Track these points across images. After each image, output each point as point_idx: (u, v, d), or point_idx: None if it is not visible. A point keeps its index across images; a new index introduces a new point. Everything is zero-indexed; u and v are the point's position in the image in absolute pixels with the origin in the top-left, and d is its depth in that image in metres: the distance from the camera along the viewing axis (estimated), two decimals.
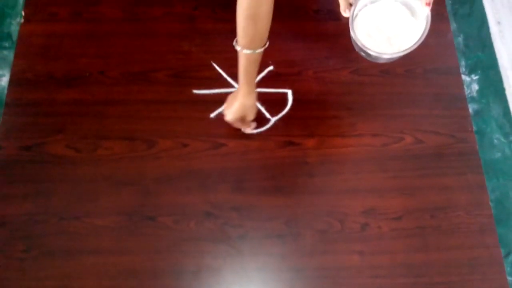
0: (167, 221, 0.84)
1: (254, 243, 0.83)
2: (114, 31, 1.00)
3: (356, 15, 0.85)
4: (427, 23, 0.78)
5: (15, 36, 1.07)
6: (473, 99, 0.95)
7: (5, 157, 0.89)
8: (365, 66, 0.99)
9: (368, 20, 0.86)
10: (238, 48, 0.73)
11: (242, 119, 0.86)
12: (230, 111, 0.85)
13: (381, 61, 0.90)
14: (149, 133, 0.91)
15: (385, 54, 0.81)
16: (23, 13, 1.01)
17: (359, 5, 0.83)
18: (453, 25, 1.04)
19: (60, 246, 0.82)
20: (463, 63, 0.99)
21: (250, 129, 0.91)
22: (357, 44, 0.81)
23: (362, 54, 0.83)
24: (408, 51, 0.79)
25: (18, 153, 0.89)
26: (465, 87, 0.99)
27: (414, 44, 0.78)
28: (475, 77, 0.98)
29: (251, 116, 0.86)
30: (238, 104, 0.82)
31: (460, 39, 1.03)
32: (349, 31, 0.81)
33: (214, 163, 0.89)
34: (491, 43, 1.07)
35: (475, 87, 0.97)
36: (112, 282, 0.80)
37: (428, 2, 0.77)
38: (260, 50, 0.74)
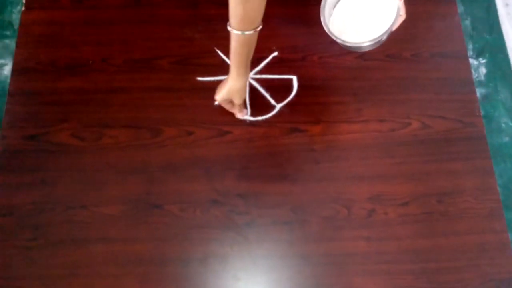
0: (173, 209, 0.84)
1: (260, 230, 0.83)
2: (116, 18, 0.99)
3: (333, 6, 0.87)
4: (397, 12, 0.79)
5: (16, 24, 1.06)
6: (480, 83, 0.94)
7: (10, 146, 0.88)
8: (371, 51, 0.97)
9: (343, 10, 0.87)
10: (229, 28, 0.72)
11: (230, 102, 0.86)
12: (219, 92, 0.85)
13: (356, 50, 0.90)
14: (154, 121, 0.91)
15: (357, 43, 0.82)
16: (24, 1, 1.00)
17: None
18: (460, 8, 1.02)
19: (67, 234, 0.82)
20: (470, 46, 0.97)
21: (240, 115, 0.90)
22: (332, 33, 0.82)
23: (338, 42, 0.83)
24: (378, 39, 0.80)
25: (22, 142, 0.89)
26: (472, 70, 0.97)
27: (384, 33, 0.79)
28: (482, 61, 0.97)
29: (237, 100, 0.85)
30: (226, 86, 0.82)
31: (468, 22, 1.01)
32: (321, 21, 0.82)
33: (219, 151, 0.89)
34: (499, 26, 1.05)
35: (483, 70, 0.96)
36: (119, 270, 0.81)
37: None
38: (249, 32, 0.72)
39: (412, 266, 0.82)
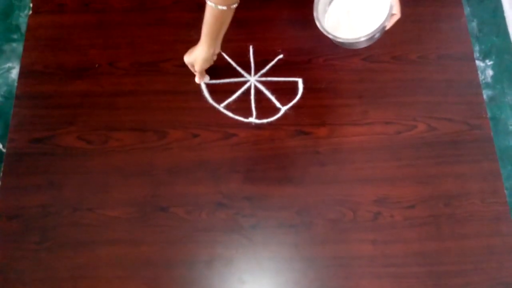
0: (179, 211, 0.85)
1: (266, 233, 0.83)
2: (123, 21, 1.00)
3: (328, 3, 0.87)
4: (390, 10, 0.79)
5: (23, 28, 1.07)
6: (487, 85, 0.93)
7: (17, 149, 0.89)
8: (376, 53, 0.97)
9: (338, 7, 0.87)
10: None
11: (192, 65, 0.88)
12: (187, 54, 0.87)
13: (349, 47, 0.90)
14: (160, 124, 0.91)
15: (348, 39, 0.82)
16: (31, 4, 1.01)
17: None
18: (467, 10, 1.02)
19: (74, 237, 0.83)
20: (477, 48, 0.97)
21: (198, 79, 0.92)
22: (324, 29, 0.82)
23: (331, 38, 0.83)
24: (370, 36, 0.80)
25: (29, 145, 0.89)
26: (479, 72, 0.96)
27: (376, 30, 0.79)
28: (489, 63, 0.96)
29: (197, 66, 0.87)
30: (194, 51, 0.85)
31: (474, 24, 1.00)
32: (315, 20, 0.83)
33: (225, 153, 0.89)
34: (506, 28, 1.04)
35: (490, 72, 0.95)
36: (126, 272, 0.81)
37: None
38: (222, 7, 0.74)
39: (419, 269, 0.81)
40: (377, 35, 0.81)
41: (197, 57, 0.85)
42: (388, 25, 0.82)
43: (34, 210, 0.85)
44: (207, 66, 0.87)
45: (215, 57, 0.87)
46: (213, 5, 0.73)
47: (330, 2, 0.89)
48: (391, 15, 0.80)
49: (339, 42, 0.84)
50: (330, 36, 0.82)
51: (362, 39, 0.80)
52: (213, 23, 0.78)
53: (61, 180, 0.87)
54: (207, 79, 0.93)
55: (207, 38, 0.81)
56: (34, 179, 0.87)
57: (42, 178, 0.87)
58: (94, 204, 0.85)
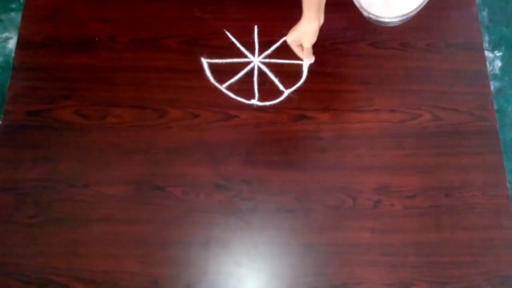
0: (176, 191, 0.83)
1: (264, 217, 0.82)
2: None
3: None
4: None
5: None
6: (495, 76, 0.91)
7: (13, 122, 0.87)
8: (384, 38, 0.95)
9: None
10: None
11: (300, 46, 0.87)
12: (290, 33, 0.86)
13: (383, 24, 0.87)
14: (160, 102, 0.89)
15: (384, 17, 0.79)
16: None
17: None
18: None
19: (68, 213, 0.82)
20: (486, 38, 0.95)
21: (307, 59, 0.89)
22: (362, 7, 0.79)
23: (367, 16, 0.80)
24: (409, 15, 0.76)
25: (25, 118, 0.87)
26: (487, 63, 0.94)
27: (416, 8, 0.75)
28: (498, 54, 0.94)
29: (306, 42, 0.85)
30: (298, 28, 0.84)
31: (485, 13, 0.98)
32: None
33: (225, 135, 0.87)
34: None
35: (498, 64, 0.93)
36: (120, 250, 0.80)
37: None
38: None
39: (416, 259, 0.81)
40: (413, 13, 0.78)
41: (305, 32, 0.83)
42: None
43: (28, 183, 0.83)
44: (315, 39, 0.85)
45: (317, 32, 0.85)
46: None
47: None
48: None
49: (376, 21, 0.81)
50: (364, 13, 0.79)
51: (400, 18, 0.77)
52: None
53: (57, 155, 0.85)
54: (313, 59, 0.90)
55: (310, 11, 0.80)
56: (29, 153, 0.85)
57: (37, 151, 0.85)
58: (90, 180, 0.84)
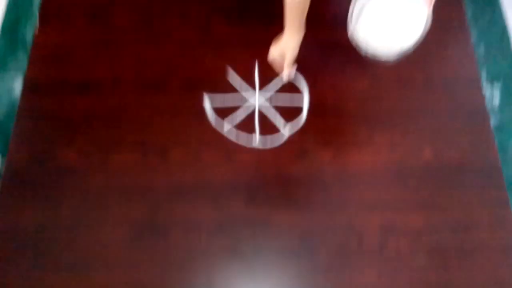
0: (177, 234, 0.82)
1: (267, 260, 0.81)
2: (128, 38, 0.99)
3: (359, 12, 0.84)
4: (427, 22, 0.77)
5: (29, 42, 1.06)
6: (494, 111, 0.91)
7: (16, 164, 0.87)
8: (383, 76, 0.96)
9: (370, 17, 0.83)
10: None
11: (281, 57, 0.89)
12: (272, 48, 0.89)
13: (381, 61, 0.88)
14: (162, 142, 0.89)
15: (381, 54, 0.81)
16: (37, 19, 1.01)
17: (358, 4, 0.82)
18: (473, 35, 1.01)
19: (69, 259, 0.80)
20: (484, 73, 0.95)
21: (286, 73, 0.91)
22: (359, 45, 0.81)
23: (365, 53, 0.82)
24: (406, 52, 0.79)
25: (29, 160, 0.88)
26: (486, 99, 0.95)
27: (411, 45, 0.77)
28: (496, 88, 0.95)
29: (288, 54, 0.88)
30: (280, 43, 0.88)
31: (481, 48, 0.99)
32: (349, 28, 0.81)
33: (227, 175, 0.87)
34: None
35: (497, 98, 0.94)
36: None
37: (429, 1, 0.77)
38: None
39: None
40: (409, 49, 0.79)
41: (287, 46, 0.87)
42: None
43: (29, 229, 0.82)
44: (296, 52, 0.88)
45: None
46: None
47: (360, 13, 0.84)
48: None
49: (371, 57, 0.83)
50: (362, 52, 0.81)
51: (398, 53, 0.79)
52: (292, 14, 0.81)
53: (58, 199, 0.85)
54: (293, 71, 0.94)
55: (292, 27, 0.84)
56: (31, 197, 0.85)
57: (38, 196, 0.85)
58: (90, 224, 0.83)
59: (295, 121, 0.92)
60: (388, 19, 0.82)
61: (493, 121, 0.93)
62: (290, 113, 0.92)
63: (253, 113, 0.92)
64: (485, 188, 0.87)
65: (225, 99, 0.93)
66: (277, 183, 0.86)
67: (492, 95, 0.91)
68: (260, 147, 0.89)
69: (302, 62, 0.97)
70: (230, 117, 0.91)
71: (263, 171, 0.87)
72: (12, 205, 0.84)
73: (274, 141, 0.90)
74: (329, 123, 0.92)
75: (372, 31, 0.82)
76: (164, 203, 0.85)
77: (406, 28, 0.80)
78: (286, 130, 0.91)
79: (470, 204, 0.85)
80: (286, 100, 0.93)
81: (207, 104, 0.92)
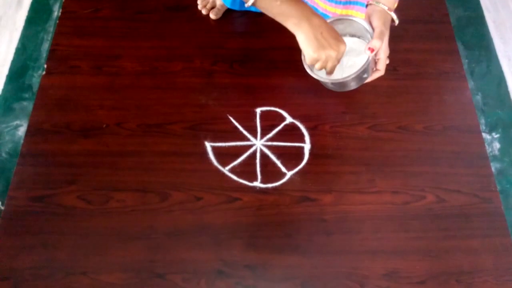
0: (176, 279, 0.80)
1: None
2: (133, 84, 1.02)
3: None
4: (368, 62, 0.80)
5: (35, 88, 1.09)
6: (495, 157, 0.92)
7: (16, 207, 0.87)
8: (382, 122, 0.98)
9: None
10: None
11: (318, 60, 0.75)
12: (304, 56, 0.78)
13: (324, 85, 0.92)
14: (162, 185, 0.90)
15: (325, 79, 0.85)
16: (45, 65, 1.04)
17: None
18: (471, 84, 1.04)
19: None
20: (482, 121, 0.98)
21: (331, 65, 0.79)
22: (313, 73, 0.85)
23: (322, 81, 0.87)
24: (341, 80, 0.83)
25: (28, 203, 0.87)
26: (486, 145, 0.96)
27: (348, 77, 0.81)
28: (496, 135, 0.96)
29: (330, 39, 0.72)
30: (300, 43, 0.73)
31: (479, 97, 1.02)
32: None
33: (227, 218, 0.86)
34: (510, 102, 1.06)
35: (497, 145, 0.95)
36: None
37: (371, 48, 0.79)
38: None
39: None
40: (352, 85, 0.84)
41: (321, 28, 0.74)
42: (369, 78, 0.85)
43: (26, 272, 0.81)
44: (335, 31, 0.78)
45: None
46: None
47: None
48: (373, 70, 0.84)
49: (325, 83, 0.87)
50: (315, 77, 0.85)
51: (332, 81, 0.84)
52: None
53: (56, 241, 0.83)
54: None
55: (289, 17, 0.75)
56: (29, 239, 0.84)
57: (37, 238, 0.84)
58: (88, 267, 0.81)
59: (297, 165, 0.92)
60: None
61: (493, 168, 0.94)
62: (291, 158, 0.93)
63: (254, 158, 0.93)
64: (489, 234, 0.86)
65: (227, 146, 0.94)
66: (278, 226, 0.85)
67: (492, 142, 0.93)
68: (262, 185, 0.89)
69: (303, 107, 0.99)
70: (231, 164, 0.92)
71: (264, 213, 0.87)
72: (9, 246, 0.83)
73: (276, 185, 0.90)
74: (330, 167, 0.93)
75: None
76: (164, 246, 0.83)
77: (355, 63, 0.85)
78: (287, 174, 0.91)
79: (474, 250, 0.84)
80: (287, 146, 0.94)
81: (209, 147, 0.93)
